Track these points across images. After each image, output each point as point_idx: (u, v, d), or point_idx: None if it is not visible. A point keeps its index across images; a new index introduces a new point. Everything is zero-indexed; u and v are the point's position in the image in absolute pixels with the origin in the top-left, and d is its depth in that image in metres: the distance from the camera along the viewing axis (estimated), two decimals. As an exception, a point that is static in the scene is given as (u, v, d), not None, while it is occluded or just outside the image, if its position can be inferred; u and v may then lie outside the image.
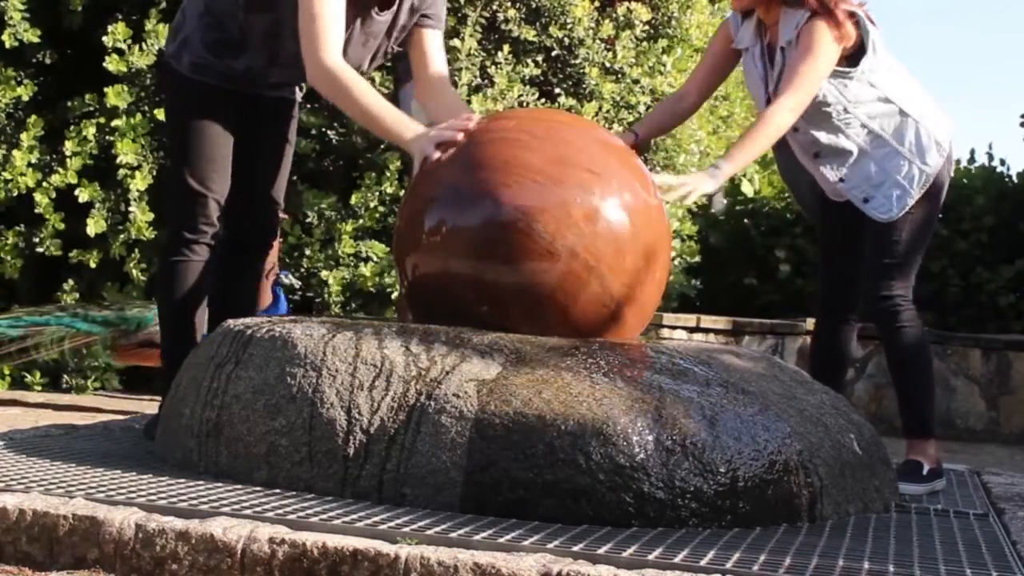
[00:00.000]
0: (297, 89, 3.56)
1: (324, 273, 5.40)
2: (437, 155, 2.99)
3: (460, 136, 3.00)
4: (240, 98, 3.38)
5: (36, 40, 5.39)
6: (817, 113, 3.49)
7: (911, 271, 3.55)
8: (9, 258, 5.41)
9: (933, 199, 3.55)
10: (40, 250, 5.38)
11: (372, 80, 5.34)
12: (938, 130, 3.56)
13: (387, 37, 3.35)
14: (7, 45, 5.35)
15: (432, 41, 3.35)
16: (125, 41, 5.31)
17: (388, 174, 5.44)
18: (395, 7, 3.27)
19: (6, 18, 5.33)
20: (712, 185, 3.29)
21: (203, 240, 3.33)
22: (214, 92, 3.33)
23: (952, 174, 3.64)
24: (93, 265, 5.39)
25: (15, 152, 5.31)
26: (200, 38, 3.31)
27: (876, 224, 3.53)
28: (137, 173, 5.26)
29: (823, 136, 3.52)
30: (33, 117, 5.37)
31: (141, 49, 5.31)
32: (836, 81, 3.47)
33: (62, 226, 5.36)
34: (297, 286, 5.25)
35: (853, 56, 3.50)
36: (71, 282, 5.44)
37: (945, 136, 3.57)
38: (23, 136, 5.32)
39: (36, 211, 5.35)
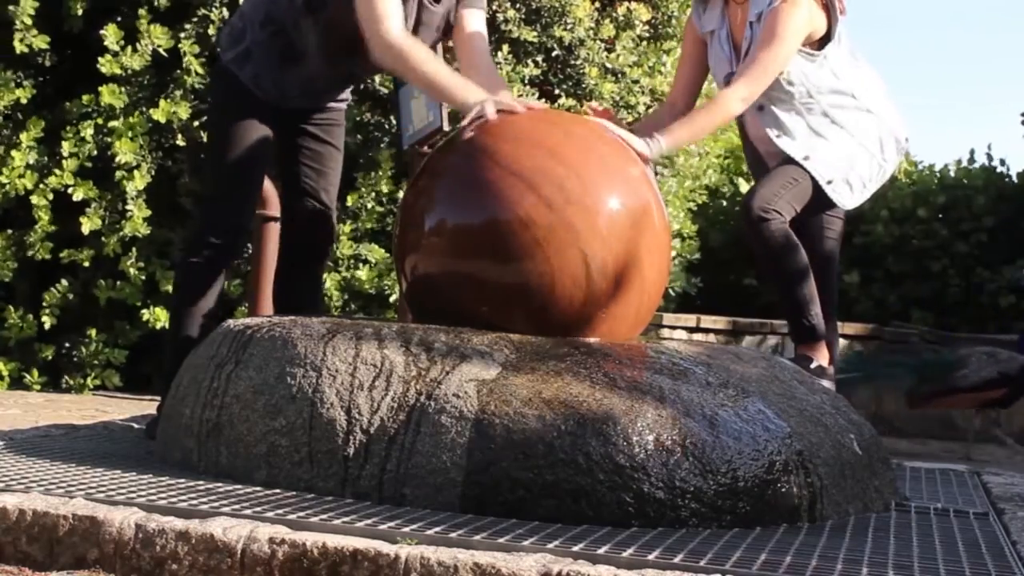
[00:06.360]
0: (348, 94, 3.57)
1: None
2: (492, 113, 2.99)
3: (523, 110, 3.04)
4: (289, 111, 3.40)
5: (44, 47, 5.39)
6: (781, 92, 3.52)
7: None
8: (2, 260, 5.38)
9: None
10: (31, 253, 5.35)
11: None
12: (897, 128, 3.62)
13: (438, 29, 3.36)
14: (17, 51, 5.35)
15: (474, 21, 3.37)
16: (118, 43, 5.30)
17: (381, 172, 5.41)
18: None
19: (16, 23, 5.33)
20: (646, 153, 3.27)
21: (226, 243, 3.34)
22: (267, 104, 3.34)
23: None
24: (87, 264, 5.37)
25: (14, 153, 5.30)
26: (266, 49, 3.30)
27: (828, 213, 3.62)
28: (135, 173, 5.24)
29: (785, 116, 3.56)
30: (33, 118, 5.36)
31: (135, 50, 5.29)
32: (802, 61, 3.51)
33: (51, 228, 5.33)
34: None
35: (819, 42, 3.55)
36: (64, 282, 5.42)
37: (903, 135, 3.64)
38: (23, 136, 5.31)
39: (33, 213, 5.34)
